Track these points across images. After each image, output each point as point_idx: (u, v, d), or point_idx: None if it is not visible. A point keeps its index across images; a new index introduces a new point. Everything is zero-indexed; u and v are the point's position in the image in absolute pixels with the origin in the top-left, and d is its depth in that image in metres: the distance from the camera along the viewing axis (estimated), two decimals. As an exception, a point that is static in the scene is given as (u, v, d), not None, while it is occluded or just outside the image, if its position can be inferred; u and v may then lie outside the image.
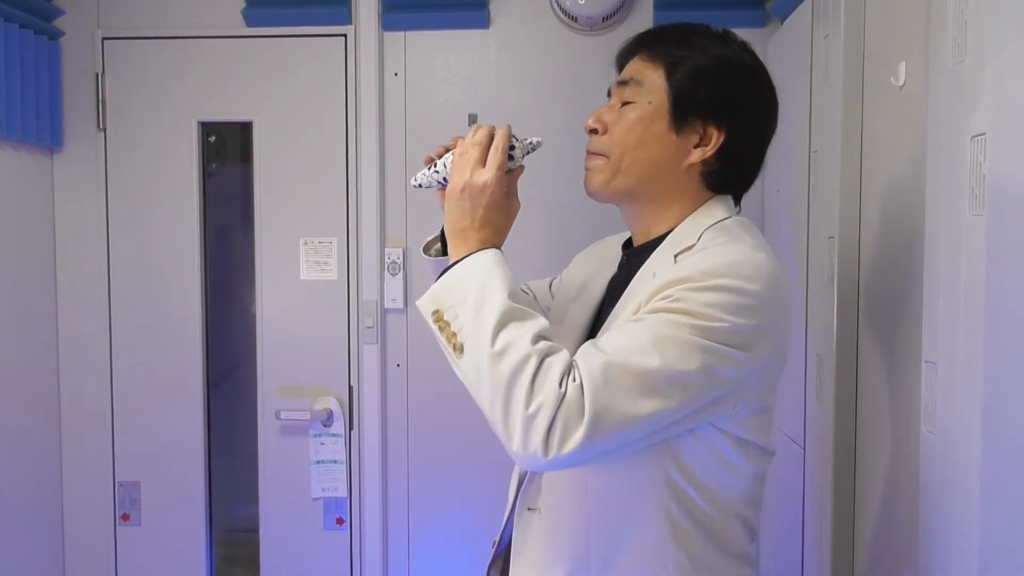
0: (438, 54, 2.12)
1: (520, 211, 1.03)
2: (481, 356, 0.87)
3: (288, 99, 2.13)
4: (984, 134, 0.92)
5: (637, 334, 0.88)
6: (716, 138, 1.01)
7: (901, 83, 1.29)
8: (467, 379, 0.89)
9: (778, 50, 1.93)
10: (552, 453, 0.83)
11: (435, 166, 1.06)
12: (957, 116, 0.99)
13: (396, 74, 2.13)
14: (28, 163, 2.07)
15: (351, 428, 2.16)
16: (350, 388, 2.16)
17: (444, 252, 1.12)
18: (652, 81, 1.02)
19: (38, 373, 2.12)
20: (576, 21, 2.06)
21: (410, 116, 2.13)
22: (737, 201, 1.08)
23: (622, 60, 1.09)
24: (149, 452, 2.18)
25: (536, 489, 1.05)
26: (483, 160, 0.98)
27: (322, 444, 2.14)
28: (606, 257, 1.17)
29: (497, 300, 0.89)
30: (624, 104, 1.04)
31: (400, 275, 2.13)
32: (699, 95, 1.00)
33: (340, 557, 2.18)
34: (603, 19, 2.05)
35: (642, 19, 2.08)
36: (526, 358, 0.85)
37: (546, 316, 1.00)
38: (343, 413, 2.15)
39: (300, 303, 2.16)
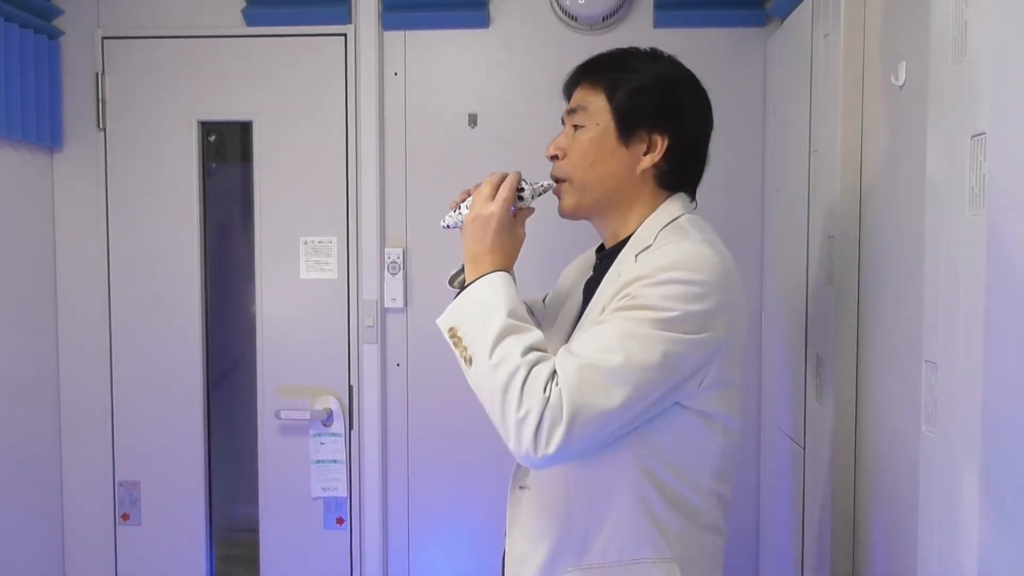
0: (438, 54, 2.12)
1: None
2: (482, 368, 1.00)
3: (288, 99, 2.13)
4: (984, 134, 0.92)
5: (604, 334, 1.00)
6: (661, 143, 1.14)
7: (901, 83, 1.29)
8: (475, 388, 1.02)
9: (778, 50, 1.93)
10: (541, 451, 0.96)
11: (460, 209, 1.18)
12: (957, 116, 0.99)
13: (396, 73, 2.13)
14: (28, 163, 2.07)
15: (351, 428, 2.16)
16: (350, 388, 2.16)
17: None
18: (596, 105, 1.15)
19: (38, 373, 2.12)
20: (576, 20, 2.06)
21: (410, 116, 2.13)
22: (692, 196, 1.20)
23: (568, 91, 1.22)
24: (149, 452, 2.18)
25: (526, 469, 1.16)
26: (493, 195, 1.12)
27: (322, 444, 2.14)
28: (584, 265, 1.30)
29: (498, 317, 1.02)
30: (576, 129, 1.16)
31: (400, 274, 2.13)
32: (638, 109, 1.13)
33: (340, 557, 2.18)
34: (603, 19, 2.05)
35: (642, 19, 2.07)
36: (516, 369, 0.98)
37: (541, 327, 1.17)
38: (343, 413, 2.15)
39: (300, 302, 2.16)
